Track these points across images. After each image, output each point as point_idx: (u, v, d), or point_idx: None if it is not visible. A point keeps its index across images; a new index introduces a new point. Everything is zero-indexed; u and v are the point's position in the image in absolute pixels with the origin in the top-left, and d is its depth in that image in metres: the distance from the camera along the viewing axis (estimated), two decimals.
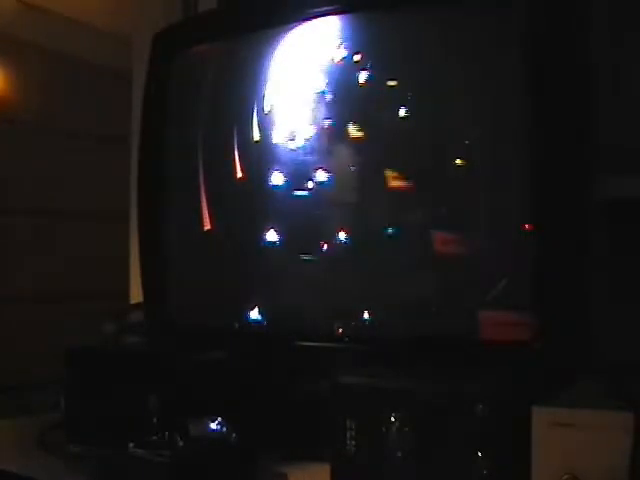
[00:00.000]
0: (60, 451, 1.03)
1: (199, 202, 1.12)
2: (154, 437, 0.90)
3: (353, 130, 0.99)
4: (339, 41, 1.01)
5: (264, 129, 1.07)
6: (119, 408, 1.01)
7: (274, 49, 1.08)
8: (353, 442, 0.82)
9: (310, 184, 1.02)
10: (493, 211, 0.91)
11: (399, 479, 0.80)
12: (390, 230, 0.97)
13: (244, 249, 1.09)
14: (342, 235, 0.99)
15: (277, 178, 1.05)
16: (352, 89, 1.00)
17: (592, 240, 0.89)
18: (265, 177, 1.06)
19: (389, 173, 0.96)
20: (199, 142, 1.14)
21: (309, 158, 1.03)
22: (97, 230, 2.13)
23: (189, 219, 1.15)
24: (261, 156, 1.08)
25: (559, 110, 0.84)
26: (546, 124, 0.84)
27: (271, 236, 1.05)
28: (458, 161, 0.92)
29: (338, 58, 1.01)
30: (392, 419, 0.80)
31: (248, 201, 1.09)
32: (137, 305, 1.29)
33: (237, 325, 1.08)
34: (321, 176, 1.01)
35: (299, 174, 1.03)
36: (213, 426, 0.91)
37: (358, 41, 1.00)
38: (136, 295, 1.42)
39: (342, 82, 1.00)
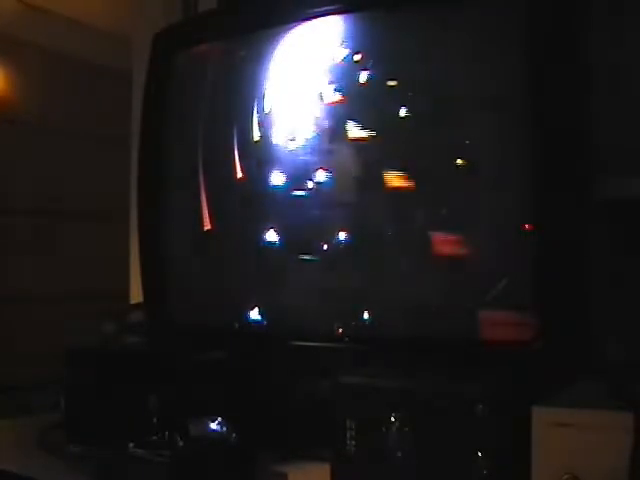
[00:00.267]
0: (60, 451, 1.03)
1: (199, 202, 1.12)
2: (154, 437, 0.90)
3: (353, 130, 0.99)
4: (339, 41, 1.01)
5: (264, 129, 1.07)
6: (119, 408, 1.01)
7: (274, 49, 1.08)
8: (353, 442, 0.82)
9: (310, 184, 1.02)
10: (493, 211, 0.91)
11: (399, 479, 0.80)
12: (390, 230, 0.97)
13: (244, 249, 1.09)
14: (342, 235, 0.99)
15: (277, 178, 1.05)
16: (352, 89, 1.00)
17: (592, 240, 0.89)
18: (265, 177, 1.06)
19: (389, 173, 0.96)
20: (199, 142, 1.14)
21: (309, 158, 1.03)
22: (97, 230, 2.13)
23: (189, 219, 1.15)
24: (261, 156, 1.08)
25: (559, 110, 0.84)
26: (546, 124, 0.84)
27: (271, 236, 1.05)
28: (458, 161, 0.92)
29: (338, 58, 1.01)
30: (392, 419, 0.79)
31: (248, 201, 1.09)
32: (137, 305, 1.29)
33: (237, 325, 1.08)
34: (321, 176, 1.01)
35: (299, 174, 1.03)
36: (213, 426, 0.91)
37: (358, 41, 1.00)
38: (136, 295, 1.42)
39: (342, 82, 1.00)
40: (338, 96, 1.01)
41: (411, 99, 0.96)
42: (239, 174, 1.09)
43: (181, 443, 0.88)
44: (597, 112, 0.92)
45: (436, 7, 0.96)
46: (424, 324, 0.93)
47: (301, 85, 1.05)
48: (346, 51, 1.00)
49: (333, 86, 1.01)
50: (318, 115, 1.02)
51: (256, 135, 1.08)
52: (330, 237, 1.00)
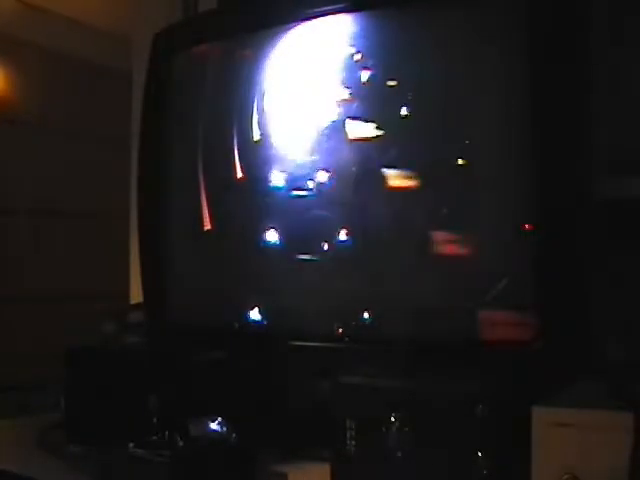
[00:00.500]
0: (60, 451, 1.03)
1: (199, 202, 1.12)
2: (154, 437, 0.90)
3: (353, 130, 0.99)
4: (339, 40, 1.01)
5: (264, 129, 1.07)
6: (119, 408, 1.01)
7: (274, 49, 1.08)
8: (353, 442, 0.82)
9: (310, 184, 1.02)
10: (493, 211, 0.91)
11: (399, 479, 0.80)
12: (390, 230, 0.97)
13: (244, 249, 1.09)
14: (342, 235, 0.99)
15: (277, 178, 1.05)
16: (352, 88, 0.99)
17: (592, 240, 0.89)
18: (265, 177, 1.06)
19: (389, 173, 0.96)
20: (199, 142, 1.14)
21: (309, 158, 1.03)
22: (97, 230, 2.13)
23: (189, 219, 1.15)
24: (261, 156, 1.08)
25: (559, 110, 0.84)
26: (546, 124, 0.84)
27: (271, 236, 1.05)
28: (459, 161, 0.92)
29: (338, 58, 1.01)
30: (392, 419, 0.79)
31: (248, 201, 1.09)
32: (137, 305, 1.29)
33: (237, 325, 1.08)
34: (321, 176, 1.01)
35: (299, 174, 1.03)
36: (213, 426, 0.91)
37: (358, 40, 1.00)
38: (136, 295, 1.42)
39: (342, 82, 1.00)
40: (338, 96, 1.01)
41: (411, 99, 0.96)
42: (239, 174, 1.09)
43: (181, 443, 0.88)
44: (597, 112, 0.92)
45: (435, 7, 0.96)
46: (424, 324, 0.93)
47: (301, 85, 1.05)
48: (346, 51, 1.00)
49: (333, 86, 1.01)
50: (318, 115, 1.02)
51: (256, 135, 1.08)
52: (330, 237, 1.00)
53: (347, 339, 0.98)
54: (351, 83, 0.99)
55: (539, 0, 0.87)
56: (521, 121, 0.86)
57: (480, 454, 0.75)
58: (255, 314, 1.06)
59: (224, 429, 0.91)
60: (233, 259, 1.11)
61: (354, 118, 0.99)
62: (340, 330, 0.99)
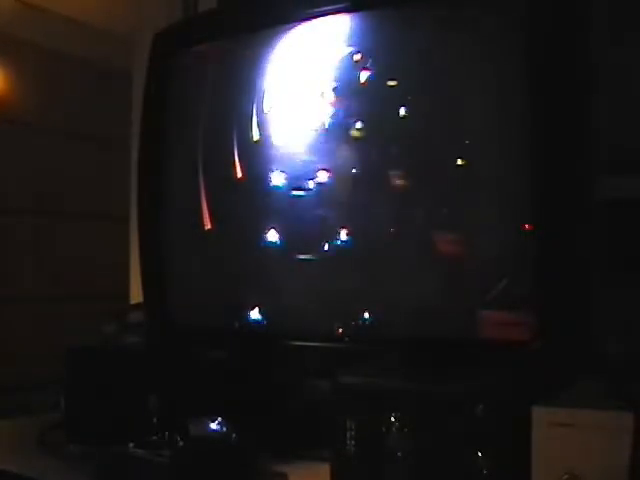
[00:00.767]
0: (60, 451, 1.03)
1: (199, 202, 1.12)
2: (154, 437, 0.90)
3: (353, 130, 0.99)
4: (339, 40, 1.01)
5: (264, 129, 1.07)
6: (119, 408, 1.01)
7: (274, 49, 1.08)
8: (353, 442, 0.82)
9: (310, 184, 1.02)
10: (493, 211, 0.91)
11: (399, 479, 0.80)
12: (390, 230, 0.97)
13: (244, 249, 1.09)
14: (342, 235, 0.99)
15: (277, 178, 1.05)
16: (352, 89, 1.00)
17: (592, 240, 0.89)
18: (265, 177, 1.06)
19: (389, 173, 0.96)
20: (199, 142, 1.14)
21: (309, 158, 1.03)
22: (97, 230, 2.13)
23: (189, 219, 1.15)
24: (261, 156, 1.08)
25: (559, 110, 0.84)
26: (546, 124, 0.84)
27: (271, 236, 1.05)
28: (459, 161, 0.92)
29: (338, 58, 1.01)
30: (392, 419, 0.79)
31: (248, 201, 1.09)
32: (137, 305, 1.29)
33: (237, 325, 1.08)
34: (321, 176, 1.01)
35: (299, 174, 1.03)
36: (213, 426, 0.91)
37: (358, 40, 1.00)
38: (136, 295, 1.42)
39: (342, 82, 1.00)
40: (338, 96, 1.01)
41: (411, 99, 0.96)
42: (239, 174, 1.09)
43: (181, 443, 0.88)
44: (597, 112, 0.92)
45: (435, 7, 0.96)
46: (424, 324, 0.93)
47: (301, 85, 1.05)
48: (346, 51, 1.00)
49: (333, 86, 1.01)
50: (318, 115, 1.02)
51: (256, 135, 1.08)
52: (330, 237, 1.00)
53: (347, 339, 0.98)
54: (351, 83, 0.99)
55: (539, 0, 0.87)
56: (521, 121, 0.87)
57: (480, 454, 0.75)
58: (255, 314, 1.06)
59: (224, 429, 0.91)
60: (233, 259, 1.11)
61: (354, 118, 0.99)
62: (340, 330, 0.99)
